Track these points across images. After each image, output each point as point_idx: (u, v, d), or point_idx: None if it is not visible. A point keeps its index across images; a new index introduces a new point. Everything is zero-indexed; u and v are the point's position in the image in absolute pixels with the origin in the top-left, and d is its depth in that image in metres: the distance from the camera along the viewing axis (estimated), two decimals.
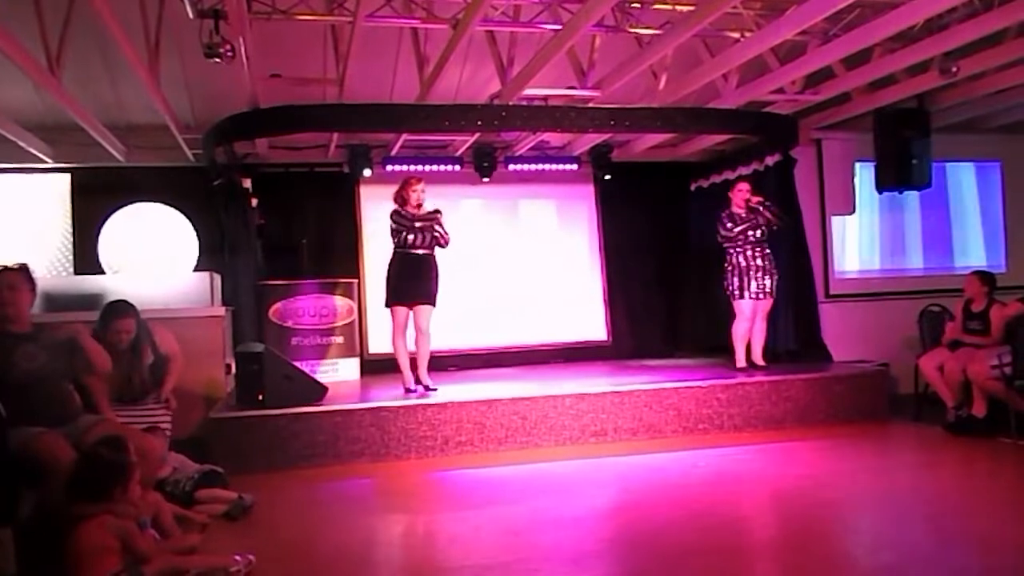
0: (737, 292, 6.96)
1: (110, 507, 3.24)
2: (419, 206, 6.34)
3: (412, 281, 6.33)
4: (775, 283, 7.00)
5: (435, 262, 6.44)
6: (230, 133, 6.75)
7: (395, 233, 6.35)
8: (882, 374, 6.91)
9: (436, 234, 6.33)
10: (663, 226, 9.40)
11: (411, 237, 6.29)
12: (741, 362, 7.04)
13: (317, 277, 8.05)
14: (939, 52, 6.11)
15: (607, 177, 9.00)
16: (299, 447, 5.61)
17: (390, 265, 6.43)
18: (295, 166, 8.45)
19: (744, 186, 7.09)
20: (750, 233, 6.92)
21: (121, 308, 4.76)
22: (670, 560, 3.56)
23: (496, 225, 9.09)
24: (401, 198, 6.37)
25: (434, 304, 6.42)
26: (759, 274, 6.93)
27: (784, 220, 7.05)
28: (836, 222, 8.65)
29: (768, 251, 6.99)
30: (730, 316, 7.11)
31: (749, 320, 6.98)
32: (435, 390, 6.32)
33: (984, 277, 6.36)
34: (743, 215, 6.98)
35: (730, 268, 7.00)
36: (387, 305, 6.43)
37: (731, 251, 7.00)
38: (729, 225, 6.97)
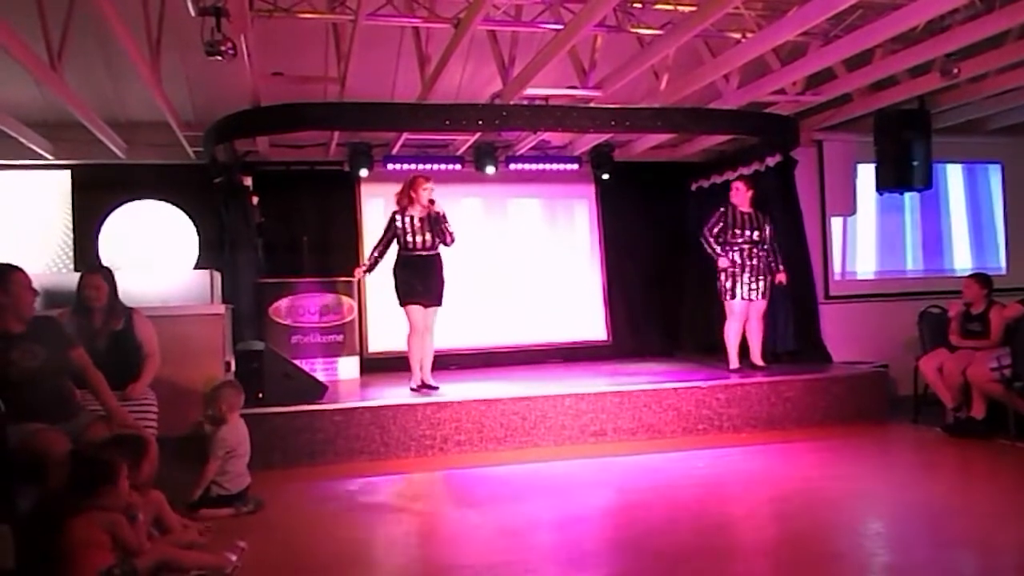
0: (728, 292, 6.94)
1: (98, 503, 3.24)
2: (432, 202, 6.31)
3: (424, 281, 6.33)
4: (768, 284, 6.97)
5: (441, 262, 6.45)
6: (231, 131, 6.75)
7: (397, 237, 6.34)
8: (881, 375, 6.90)
9: (444, 231, 6.30)
10: (663, 226, 9.38)
11: (410, 239, 6.30)
12: (734, 363, 7.01)
13: (318, 275, 8.02)
14: (940, 54, 6.11)
15: (606, 176, 8.97)
16: (298, 445, 5.62)
17: (396, 266, 6.39)
18: (296, 164, 8.44)
19: (740, 185, 7.04)
20: (742, 232, 6.89)
21: (92, 267, 4.75)
22: (668, 561, 3.56)
23: (496, 224, 9.08)
24: (408, 198, 6.35)
25: (441, 304, 6.46)
26: (751, 275, 6.90)
27: (776, 263, 6.98)
28: (836, 223, 8.65)
29: (762, 252, 6.95)
30: None
31: (740, 321, 6.96)
32: (437, 388, 6.32)
33: (982, 280, 6.34)
34: (744, 212, 6.95)
35: (723, 268, 6.97)
36: (402, 304, 6.37)
37: (725, 250, 6.96)
38: (716, 229, 6.94)
